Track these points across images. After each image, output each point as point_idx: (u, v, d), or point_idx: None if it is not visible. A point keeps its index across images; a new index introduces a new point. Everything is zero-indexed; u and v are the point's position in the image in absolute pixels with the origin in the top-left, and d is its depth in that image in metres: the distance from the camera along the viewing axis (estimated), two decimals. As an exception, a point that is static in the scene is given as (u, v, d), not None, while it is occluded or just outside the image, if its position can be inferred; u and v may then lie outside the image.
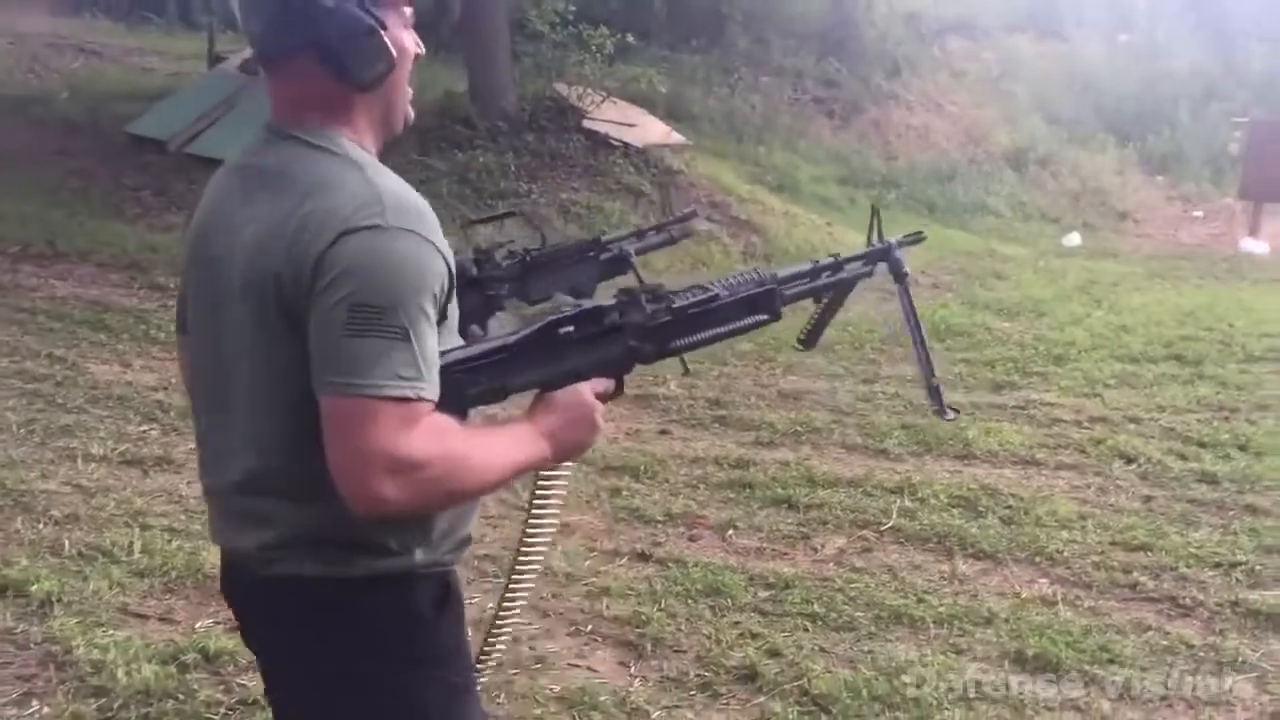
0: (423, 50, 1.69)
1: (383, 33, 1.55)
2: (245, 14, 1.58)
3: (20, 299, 7.19)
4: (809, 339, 2.25)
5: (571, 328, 1.69)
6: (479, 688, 1.80)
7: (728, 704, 3.32)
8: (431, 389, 1.49)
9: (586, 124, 10.44)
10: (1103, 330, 8.29)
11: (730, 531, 4.56)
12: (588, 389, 1.69)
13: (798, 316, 2.22)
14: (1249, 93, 16.37)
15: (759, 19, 15.86)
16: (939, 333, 8.19)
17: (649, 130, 10.97)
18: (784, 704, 3.27)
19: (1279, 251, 12.34)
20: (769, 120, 14.03)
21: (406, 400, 1.46)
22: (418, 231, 1.49)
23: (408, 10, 1.64)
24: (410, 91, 1.69)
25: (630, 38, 10.97)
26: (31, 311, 6.95)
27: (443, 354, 1.56)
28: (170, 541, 4.05)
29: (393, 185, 1.54)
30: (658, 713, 3.23)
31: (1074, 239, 12.66)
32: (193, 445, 5.11)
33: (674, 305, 1.79)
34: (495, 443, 1.59)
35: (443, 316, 1.56)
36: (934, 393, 2.18)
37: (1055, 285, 10.13)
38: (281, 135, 1.59)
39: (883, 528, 4.61)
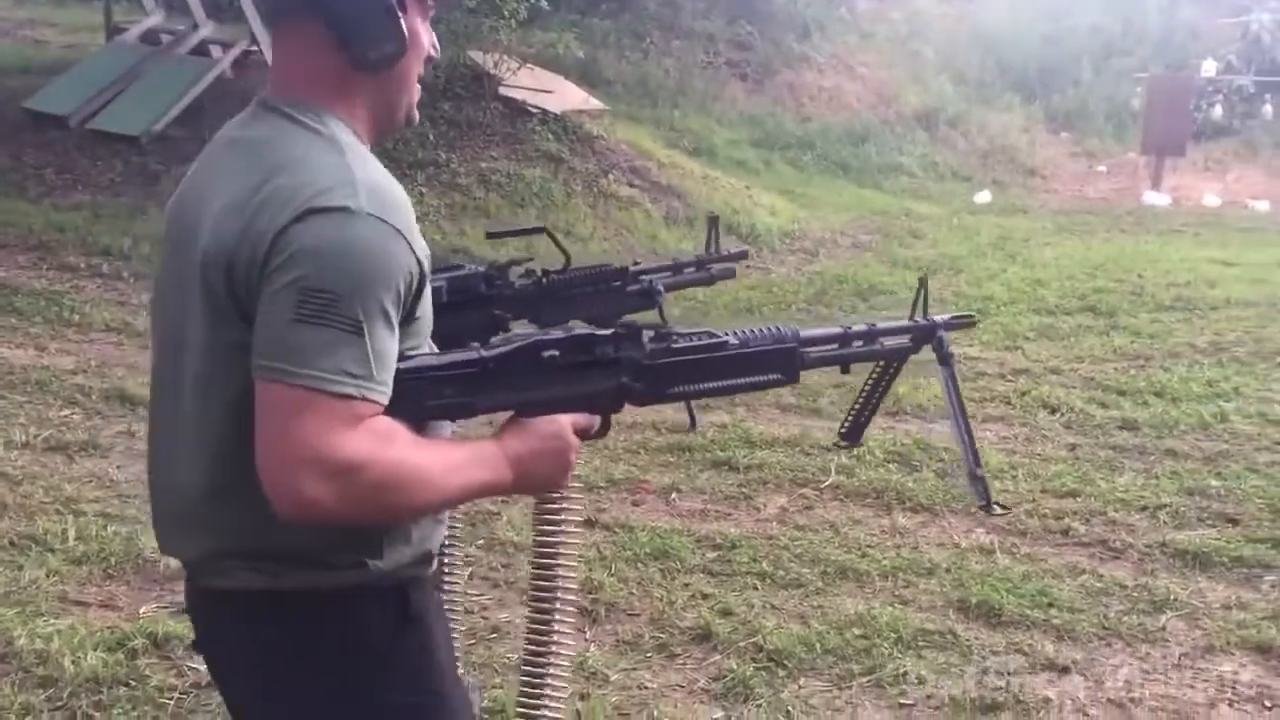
0: (438, 53, 1.62)
1: (401, 15, 1.48)
2: None
3: (-78, 284, 6.91)
4: (851, 432, 2.02)
5: (556, 352, 1.55)
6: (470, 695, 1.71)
7: (684, 664, 3.36)
8: (380, 391, 1.39)
9: (503, 91, 10.31)
10: (1019, 284, 8.49)
11: (673, 495, 4.60)
12: (568, 422, 1.56)
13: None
14: (1148, 49, 16.80)
15: (668, -20, 15.79)
16: (862, 293, 8.34)
17: (566, 96, 10.88)
18: (739, 661, 3.33)
19: (1180, 203, 12.73)
20: (683, 84, 14.00)
21: (349, 398, 1.35)
22: (390, 222, 1.40)
23: (431, 6, 1.58)
24: (418, 90, 1.61)
25: (544, 2, 10.85)
26: (-65, 296, 6.68)
27: (408, 357, 1.47)
28: (106, 527, 3.96)
29: (372, 172, 1.46)
30: (616, 675, 3.26)
31: (985, 196, 12.91)
32: (119, 429, 4.97)
33: (675, 346, 1.66)
34: (451, 458, 1.46)
35: (410, 317, 1.47)
36: (979, 484, 1.98)
37: (970, 242, 10.33)
38: (269, 107, 1.52)
39: (822, 485, 4.69)
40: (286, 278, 1.36)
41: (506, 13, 10.09)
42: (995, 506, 2.04)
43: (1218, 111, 15.01)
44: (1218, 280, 8.48)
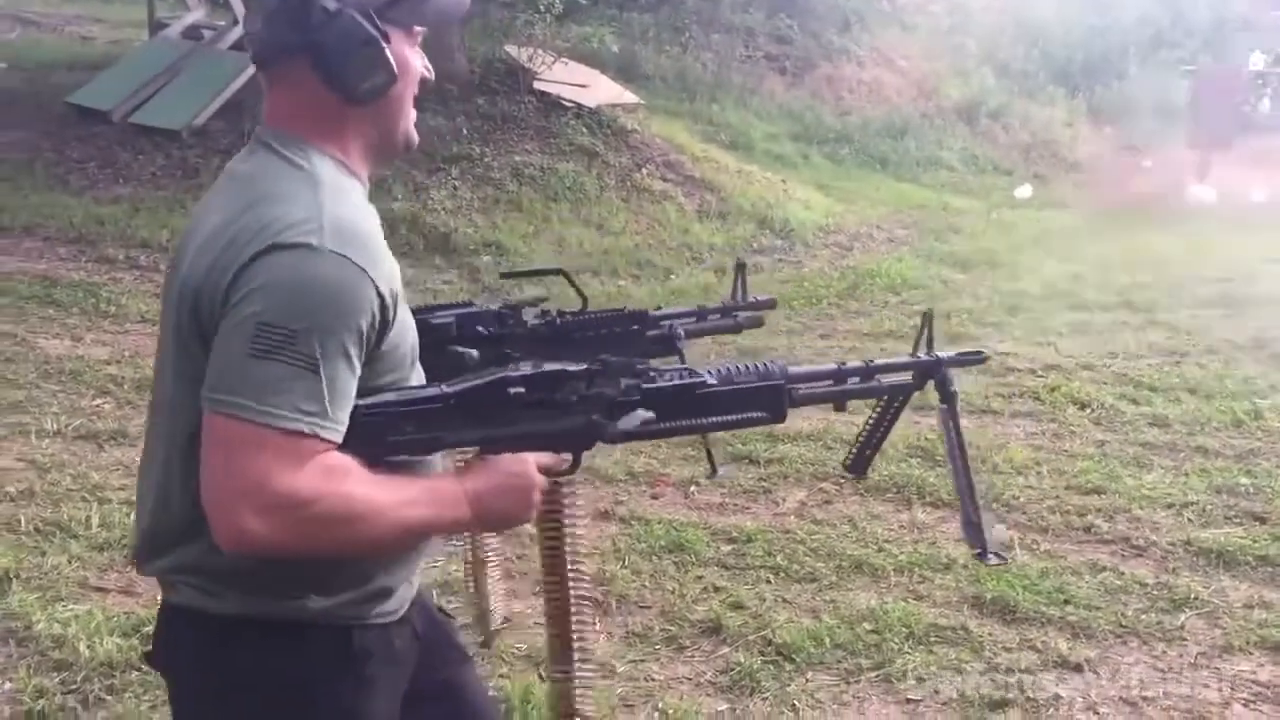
0: (431, 75, 1.61)
1: (384, 45, 1.49)
2: (247, 13, 1.54)
3: (-35, 275, 7.04)
4: (855, 465, 1.98)
5: (523, 389, 1.52)
6: None
7: (692, 656, 3.35)
8: (333, 429, 1.38)
9: (537, 85, 10.33)
10: (1055, 280, 8.39)
11: (692, 488, 4.60)
12: (533, 461, 1.54)
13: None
14: (1196, 41, 16.53)
15: (708, -26, 15.74)
16: (895, 288, 8.27)
17: (601, 90, 10.88)
18: (748, 654, 3.32)
19: (1227, 198, 12.50)
20: (721, 78, 13.96)
21: (299, 435, 1.35)
22: (353, 259, 1.39)
23: (418, 30, 1.58)
24: (414, 114, 1.60)
25: (580, -4, 10.88)
26: (-23, 288, 6.81)
27: (375, 392, 1.47)
28: (129, 515, 4.00)
29: (342, 209, 1.44)
30: (624, 667, 3.27)
31: (1026, 191, 12.76)
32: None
33: (648, 386, 1.61)
34: (405, 494, 1.44)
35: (376, 351, 1.46)
36: (973, 531, 1.85)
37: (1008, 237, 10.22)
38: (260, 143, 1.53)
39: (843, 480, 4.65)
40: (244, 312, 1.36)
41: (542, 7, 10.12)
42: (992, 556, 1.91)
43: (1266, 105, 14.74)
44: (1262, 276, 8.32)
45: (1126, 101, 15.53)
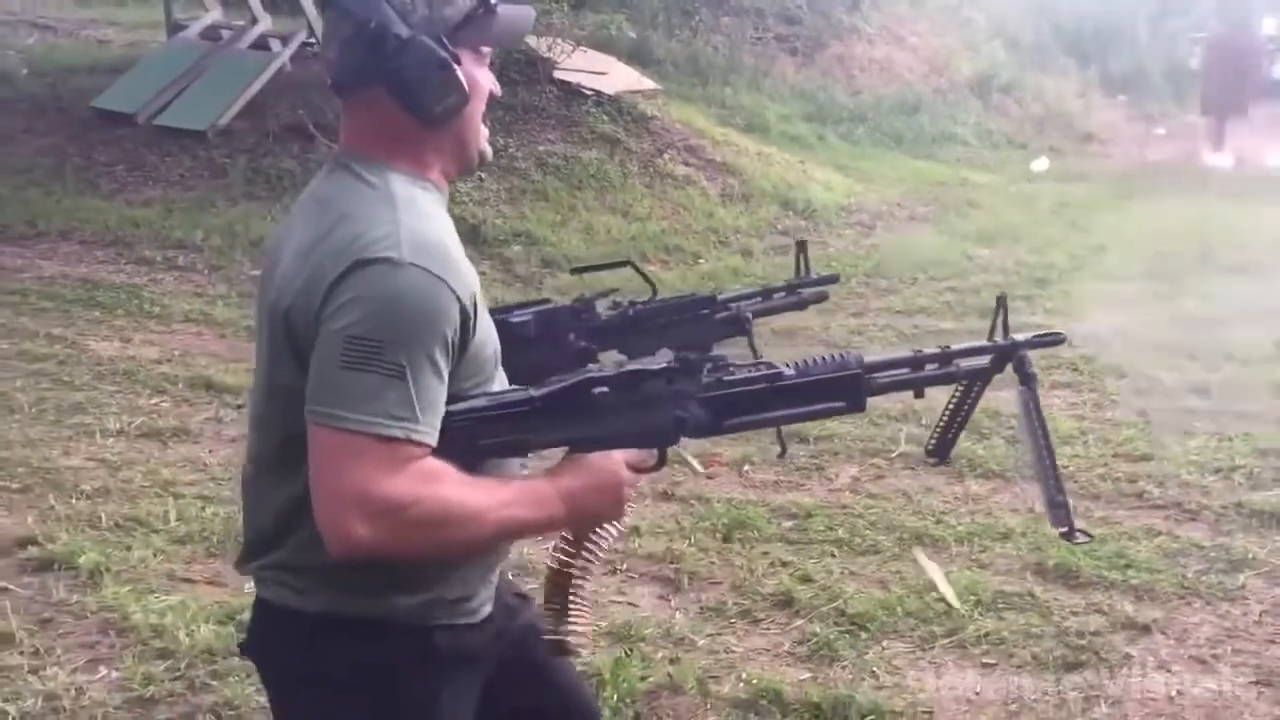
0: (499, 90, 1.68)
1: (456, 67, 1.55)
2: (323, 42, 1.61)
3: (8, 281, 7.12)
4: (938, 449, 1.99)
5: (607, 389, 1.57)
6: None
7: (768, 628, 3.45)
8: (426, 433, 1.45)
9: (557, 74, 10.39)
10: (1081, 251, 8.46)
11: (746, 467, 4.69)
12: (622, 458, 1.59)
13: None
14: (1206, 7, 16.49)
15: (715, -43, 15.74)
16: (921, 265, 8.33)
17: (619, 77, 10.93)
18: (823, 625, 3.42)
19: (1243, 164, 12.53)
20: (733, 61, 13.97)
21: (394, 440, 1.42)
22: (433, 270, 1.47)
23: (485, 49, 1.63)
24: (485, 130, 1.67)
25: (593, -17, 10.92)
26: (22, 293, 6.89)
27: (464, 398, 1.53)
28: (204, 509, 4.12)
29: (419, 223, 1.52)
30: (703, 640, 3.37)
31: (1042, 163, 12.79)
32: (206, 415, 5.15)
33: (729, 379, 1.65)
34: (500, 495, 1.51)
35: (461, 355, 1.52)
36: (1059, 510, 1.83)
37: (1029, 210, 10.27)
38: (338, 165, 1.61)
39: (892, 454, 4.75)
40: (334, 327, 1.44)
41: (558, -4, 10.16)
42: (1079, 535, 1.92)
43: (1279, 71, 14.73)
44: (1284, 241, 8.38)
45: (1138, 70, 15.54)
